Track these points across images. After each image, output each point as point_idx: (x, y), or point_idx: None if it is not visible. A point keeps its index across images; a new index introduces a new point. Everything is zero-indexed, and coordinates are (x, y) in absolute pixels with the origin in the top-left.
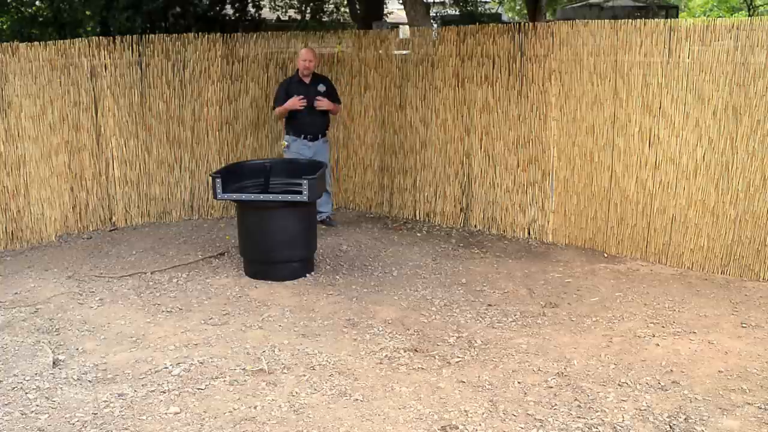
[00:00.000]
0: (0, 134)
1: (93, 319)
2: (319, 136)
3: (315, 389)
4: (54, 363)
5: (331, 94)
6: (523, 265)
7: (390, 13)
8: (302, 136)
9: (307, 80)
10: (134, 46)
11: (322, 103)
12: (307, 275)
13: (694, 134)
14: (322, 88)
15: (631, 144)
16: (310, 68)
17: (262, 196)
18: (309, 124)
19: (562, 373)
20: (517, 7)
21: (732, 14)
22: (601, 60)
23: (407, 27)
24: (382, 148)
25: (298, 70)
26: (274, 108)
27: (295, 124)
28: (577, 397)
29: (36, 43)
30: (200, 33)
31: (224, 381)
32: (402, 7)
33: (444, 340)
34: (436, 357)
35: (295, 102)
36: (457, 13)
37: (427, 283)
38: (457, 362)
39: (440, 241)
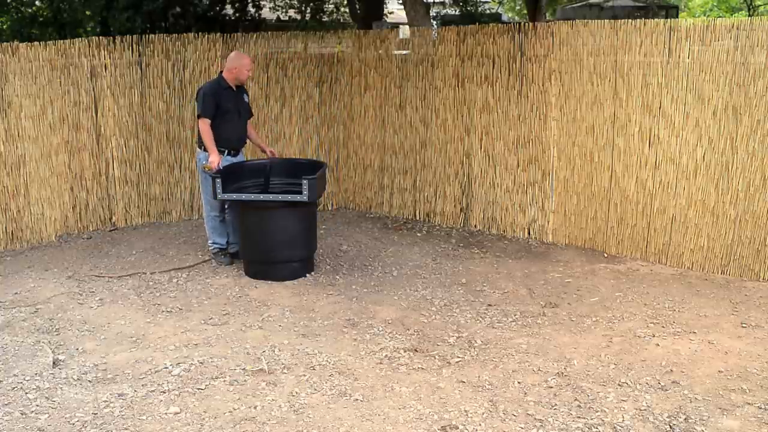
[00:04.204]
0: (0, 134)
1: (93, 319)
2: (240, 150)
3: (315, 389)
4: (54, 363)
5: (248, 103)
6: (523, 265)
7: (390, 13)
8: (227, 152)
9: (234, 87)
10: (134, 46)
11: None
12: (307, 275)
13: (694, 134)
14: (246, 98)
15: (631, 144)
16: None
17: (262, 196)
18: (237, 138)
19: (562, 373)
20: (517, 7)
21: (732, 14)
22: (601, 60)
23: (407, 27)
24: (382, 148)
25: (221, 73)
26: (200, 117)
27: (224, 137)
28: (577, 397)
29: (36, 43)
30: (200, 33)
31: (224, 381)
32: (402, 7)
33: (444, 340)
34: (436, 357)
35: (214, 165)
36: (457, 13)
37: (427, 283)
38: (457, 362)
39: (440, 241)
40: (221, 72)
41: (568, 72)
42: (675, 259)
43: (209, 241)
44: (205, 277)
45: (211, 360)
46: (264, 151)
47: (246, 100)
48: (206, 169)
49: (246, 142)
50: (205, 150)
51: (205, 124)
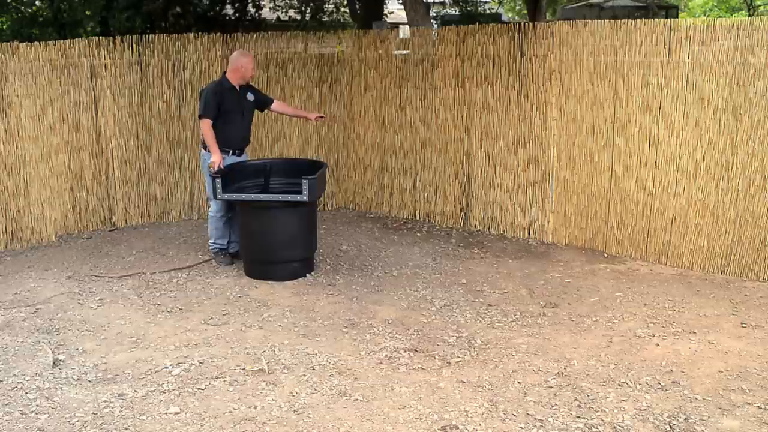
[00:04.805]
0: (0, 134)
1: (93, 319)
2: (244, 150)
3: (315, 389)
4: (54, 363)
5: (262, 98)
6: (523, 265)
7: (390, 13)
8: (231, 152)
9: (237, 87)
10: (134, 46)
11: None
12: (307, 275)
13: (694, 134)
14: (251, 96)
15: (631, 144)
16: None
17: (262, 196)
18: (241, 138)
19: (562, 373)
20: (517, 7)
21: (732, 14)
22: (601, 60)
23: (407, 27)
24: (382, 148)
25: (224, 74)
26: (202, 117)
27: (227, 137)
28: (577, 397)
29: (36, 43)
30: (200, 33)
31: (224, 381)
32: (402, 7)
33: (444, 340)
34: (436, 357)
35: (216, 164)
36: (457, 13)
37: (427, 283)
38: (457, 362)
39: (440, 241)
40: (224, 73)
41: (568, 72)
42: (675, 259)
43: (210, 241)
44: (205, 277)
45: (211, 360)
46: (309, 118)
47: (251, 98)
48: (210, 167)
49: (250, 142)
50: (209, 150)
51: (206, 125)
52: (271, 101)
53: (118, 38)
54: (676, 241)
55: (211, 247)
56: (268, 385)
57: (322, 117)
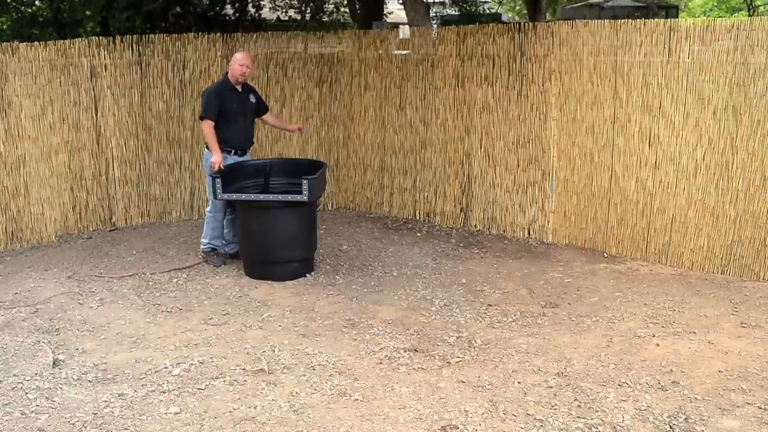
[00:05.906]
0: (0, 134)
1: (93, 319)
2: (247, 150)
3: (315, 389)
4: (54, 363)
5: (260, 103)
6: (523, 265)
7: (390, 13)
8: (233, 151)
9: (239, 88)
10: (134, 46)
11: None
12: (307, 275)
13: (694, 134)
14: (252, 99)
15: (631, 144)
16: (247, 75)
17: (262, 196)
18: (246, 138)
19: (562, 373)
20: (517, 7)
21: (732, 14)
22: (601, 60)
23: (407, 27)
24: (382, 148)
25: (226, 74)
26: (203, 118)
27: (230, 137)
28: (577, 397)
29: (36, 43)
30: (200, 33)
31: (224, 381)
32: (402, 7)
33: (444, 340)
34: (436, 357)
35: (216, 165)
36: (457, 13)
37: (427, 283)
38: (457, 362)
39: (440, 241)
40: (226, 73)
41: (568, 72)
42: (675, 259)
43: (204, 240)
44: (205, 277)
45: (211, 360)
46: (292, 131)
47: (252, 100)
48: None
49: (253, 143)
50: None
51: (207, 125)
52: (266, 110)
53: (118, 38)
54: (676, 241)
55: (203, 247)
56: (268, 385)
57: (300, 130)
